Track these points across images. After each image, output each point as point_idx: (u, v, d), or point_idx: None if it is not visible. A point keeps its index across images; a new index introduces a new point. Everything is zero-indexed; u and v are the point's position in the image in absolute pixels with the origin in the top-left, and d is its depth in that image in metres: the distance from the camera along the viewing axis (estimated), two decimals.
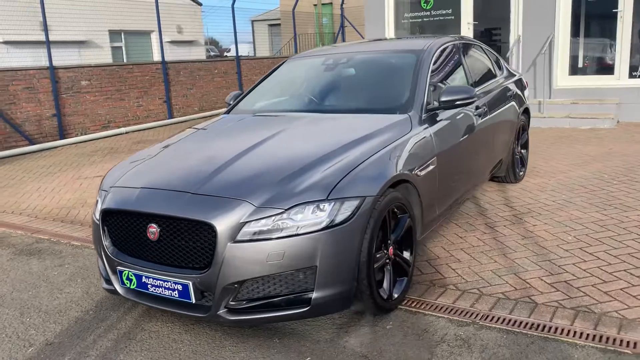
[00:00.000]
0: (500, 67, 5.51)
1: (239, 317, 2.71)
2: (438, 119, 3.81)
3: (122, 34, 18.91)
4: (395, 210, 3.17)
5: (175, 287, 2.77)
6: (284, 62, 4.83)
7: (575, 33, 9.39)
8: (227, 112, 4.44)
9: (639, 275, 3.42)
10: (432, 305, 3.19)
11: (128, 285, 2.98)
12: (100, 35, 17.83)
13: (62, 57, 16.56)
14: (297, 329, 3.01)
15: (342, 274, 2.74)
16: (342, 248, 2.71)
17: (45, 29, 10.68)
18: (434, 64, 4.13)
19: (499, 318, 3.01)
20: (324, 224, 2.68)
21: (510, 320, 2.97)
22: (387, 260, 3.10)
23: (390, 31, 10.66)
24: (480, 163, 4.45)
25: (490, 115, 4.60)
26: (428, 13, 10.47)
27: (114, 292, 3.10)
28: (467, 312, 3.09)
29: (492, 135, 4.68)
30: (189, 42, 21.11)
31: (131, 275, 2.93)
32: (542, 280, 3.44)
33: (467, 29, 10.00)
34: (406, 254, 3.32)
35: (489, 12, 10.13)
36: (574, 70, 9.56)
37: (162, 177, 3.10)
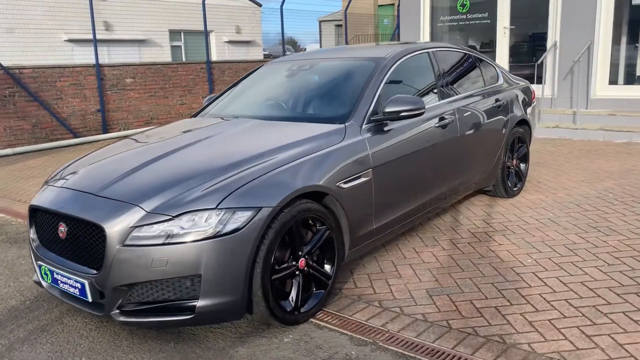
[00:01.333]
0: (493, 77, 5.26)
1: (129, 318, 2.77)
2: (386, 129, 3.71)
3: (182, 34, 19.64)
4: (311, 222, 3.12)
5: (76, 285, 2.88)
6: (259, 67, 4.86)
7: (616, 40, 8.77)
8: (194, 115, 4.53)
9: (577, 306, 3.17)
10: (344, 321, 3.12)
11: (45, 279, 3.13)
12: (160, 34, 18.60)
13: (122, 55, 17.50)
14: (199, 335, 3.03)
15: (230, 284, 2.74)
16: (230, 258, 2.71)
17: (93, 28, 11.28)
18: (392, 73, 4.01)
19: (402, 340, 2.89)
20: (210, 233, 2.69)
21: (411, 344, 2.85)
22: (297, 272, 3.06)
23: (425, 35, 10.42)
24: (443, 176, 4.27)
25: (462, 127, 4.41)
26: (464, 17, 10.14)
27: (40, 285, 3.26)
28: (374, 331, 2.99)
29: (465, 147, 4.48)
30: (247, 42, 21.59)
31: (47, 270, 3.07)
32: (472, 303, 3.27)
33: (502, 34, 9.60)
34: (327, 267, 3.27)
35: (527, 16, 9.67)
36: (614, 79, 8.93)
37: (80, 178, 3.22)
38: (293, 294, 3.05)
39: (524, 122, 5.52)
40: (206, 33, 13.66)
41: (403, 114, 3.63)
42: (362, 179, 3.42)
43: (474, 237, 4.39)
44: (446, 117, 4.25)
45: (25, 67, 10.30)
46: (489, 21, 9.82)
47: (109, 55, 17.49)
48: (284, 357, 2.78)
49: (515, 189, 5.43)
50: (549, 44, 9.12)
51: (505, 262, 3.86)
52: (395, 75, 4.06)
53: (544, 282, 3.51)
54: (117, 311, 2.78)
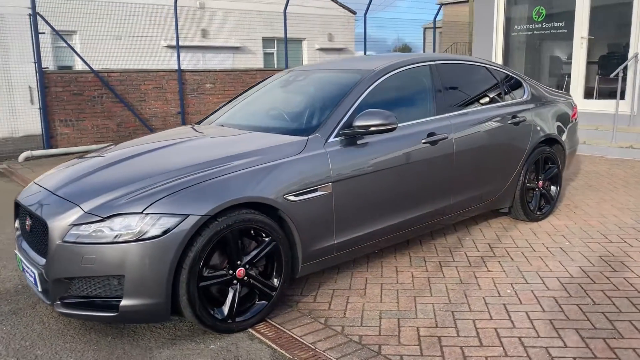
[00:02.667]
0: (517, 92, 4.93)
1: (66, 310, 2.97)
2: (361, 142, 3.64)
3: (275, 41, 20.30)
4: (253, 232, 3.15)
5: (33, 274, 3.14)
6: (269, 76, 4.95)
7: None
8: (199, 121, 4.72)
9: (529, 345, 2.91)
10: (279, 334, 3.11)
11: (19, 267, 3.44)
12: (254, 42, 19.38)
13: (217, 61, 18.47)
14: (138, 333, 3.18)
15: (152, 287, 2.85)
16: (152, 261, 2.82)
17: (177, 36, 12.04)
18: (378, 86, 3.92)
19: None
20: (133, 237, 2.81)
21: None
22: (234, 282, 3.10)
23: (498, 45, 9.95)
24: (432, 194, 4.07)
25: (460, 144, 4.18)
26: (539, 26, 9.53)
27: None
28: (300, 348, 2.95)
29: (465, 165, 4.25)
30: (339, 50, 21.82)
31: (19, 259, 3.38)
32: (418, 330, 3.11)
33: (580, 44, 8.90)
34: (275, 280, 3.27)
35: (607, 25, 8.88)
36: None
37: (51, 176, 3.50)
38: (228, 302, 3.10)
39: (554, 141, 5.11)
40: (286, 41, 14.07)
41: (372, 128, 3.54)
42: (319, 193, 3.39)
43: (467, 261, 4.15)
44: (438, 133, 4.06)
45: (113, 71, 11.25)
46: (565, 31, 9.15)
47: (204, 61, 18.57)
48: None
49: (539, 212, 5.04)
50: (630, 54, 8.32)
51: (480, 291, 3.61)
52: (383, 88, 3.96)
53: (509, 316, 3.25)
54: (59, 302, 2.99)
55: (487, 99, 4.65)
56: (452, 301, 3.48)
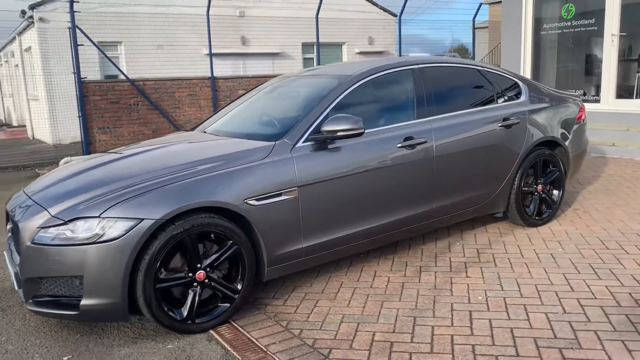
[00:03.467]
0: (513, 93, 4.80)
1: (36, 308, 3.16)
2: (332, 147, 3.67)
3: (315, 46, 20.47)
4: (213, 236, 3.24)
5: (12, 274, 3.35)
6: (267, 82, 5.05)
7: None
8: (192, 128, 4.87)
9: (480, 353, 2.85)
10: (237, 336, 3.18)
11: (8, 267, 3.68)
12: (293, 47, 19.60)
13: (256, 68, 18.82)
14: (107, 331, 3.33)
15: (110, 288, 2.98)
16: (108, 263, 2.95)
17: (209, 44, 12.38)
18: (354, 92, 3.94)
19: None
20: (91, 239, 2.96)
21: None
22: (195, 284, 3.20)
23: (527, 44, 9.67)
24: (410, 199, 4.03)
25: (442, 147, 4.13)
26: (568, 23, 9.19)
27: None
28: (252, 350, 3.01)
29: (448, 169, 4.19)
30: (379, 53, 21.73)
31: (5, 259, 3.62)
32: (373, 335, 3.11)
33: (610, 42, 8.52)
34: (238, 283, 3.35)
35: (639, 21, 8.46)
36: None
37: (35, 182, 3.72)
38: (188, 304, 3.20)
39: (555, 144, 4.94)
40: (318, 45, 14.20)
41: (340, 133, 3.57)
42: (284, 197, 3.44)
43: (448, 266, 4.09)
44: (416, 137, 4.03)
45: (149, 80, 11.69)
46: (595, 28, 8.79)
47: (244, 68, 18.97)
48: None
49: (539, 217, 4.88)
50: None
51: (451, 297, 3.56)
52: (360, 93, 3.98)
53: (471, 324, 3.19)
54: (31, 300, 3.18)
55: (475, 102, 4.56)
56: (419, 307, 3.45)
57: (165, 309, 3.13)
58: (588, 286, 3.61)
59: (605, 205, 5.46)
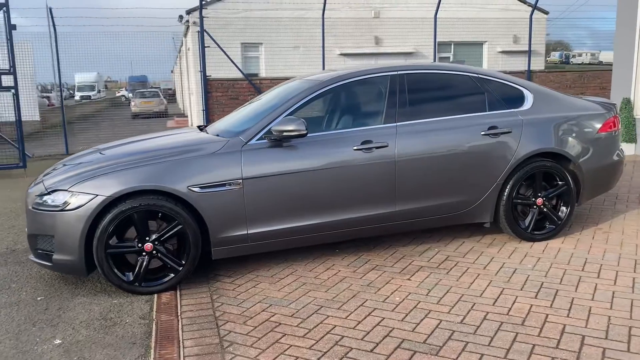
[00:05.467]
0: (514, 100, 4.63)
1: (33, 258, 4.05)
2: (287, 145, 4.05)
3: (452, 45, 20.09)
4: (161, 215, 3.85)
5: None
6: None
7: None
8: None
9: (348, 346, 3.06)
10: (170, 301, 3.76)
11: None
12: (428, 47, 19.46)
13: None
14: (83, 284, 4.13)
15: (71, 247, 3.74)
16: (70, 227, 3.72)
17: (323, 46, 13.02)
18: (319, 96, 4.28)
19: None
20: (60, 207, 3.75)
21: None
22: (144, 254, 3.84)
23: (638, 54, 8.72)
24: (367, 199, 4.21)
25: (407, 152, 4.24)
26: None
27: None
28: (169, 313, 3.56)
29: (416, 174, 4.28)
30: (525, 52, 20.55)
31: None
32: (272, 316, 3.46)
33: None
34: (184, 259, 3.92)
35: None
36: None
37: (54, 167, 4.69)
38: (136, 269, 3.85)
39: (562, 157, 4.65)
40: (435, 45, 14.09)
41: (285, 133, 3.95)
42: (228, 187, 3.92)
43: (402, 268, 4.20)
44: (376, 141, 4.19)
45: (265, 78, 12.79)
46: None
47: None
48: (91, 311, 3.66)
49: (538, 232, 4.66)
50: None
51: (373, 295, 3.72)
52: (326, 97, 4.31)
53: (362, 319, 3.36)
54: (32, 253, 4.10)
55: (457, 109, 4.52)
56: (335, 299, 3.68)
57: (115, 270, 3.82)
58: (513, 302, 3.51)
59: (636, 229, 4.94)
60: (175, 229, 3.87)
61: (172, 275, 3.93)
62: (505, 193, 4.54)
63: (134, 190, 3.77)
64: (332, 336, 3.17)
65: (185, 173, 3.88)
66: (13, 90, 8.81)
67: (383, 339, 3.11)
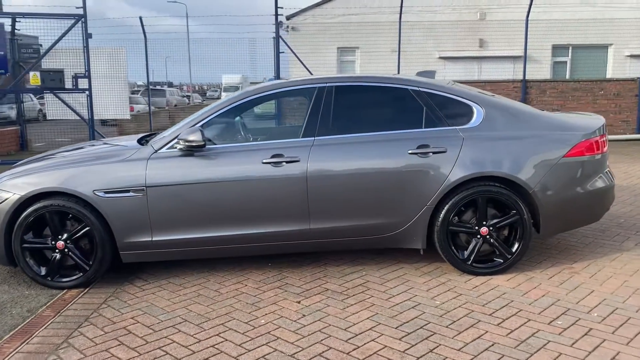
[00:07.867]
0: (454, 116, 4.15)
1: None
2: (199, 155, 4.08)
3: (570, 49, 18.28)
4: (71, 216, 4.09)
5: None
6: None
7: None
8: None
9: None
10: (70, 297, 3.98)
11: None
12: (540, 50, 17.95)
13: (494, 71, 18.02)
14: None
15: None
16: None
17: (399, 47, 12.66)
18: (235, 108, 4.25)
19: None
20: None
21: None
22: (56, 251, 4.12)
23: None
24: (278, 214, 4.06)
25: (319, 169, 4.02)
26: None
27: None
28: (59, 306, 3.77)
29: (323, 191, 4.06)
30: None
31: None
32: (133, 320, 3.51)
33: None
34: (92, 259, 4.13)
35: None
36: None
37: None
38: (49, 264, 4.13)
39: (513, 183, 4.06)
40: (525, 48, 12.96)
41: (187, 143, 4.01)
42: (132, 194, 4.04)
43: (306, 290, 3.99)
44: (288, 155, 4.03)
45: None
46: None
47: (479, 71, 18.30)
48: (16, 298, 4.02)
49: (482, 265, 4.13)
50: None
51: (245, 315, 3.60)
52: (241, 109, 4.27)
53: (200, 339, 3.27)
54: None
55: (386, 125, 4.15)
56: (202, 315, 3.62)
57: (31, 264, 4.13)
58: (369, 341, 3.17)
59: (612, 273, 4.15)
60: (83, 230, 4.08)
61: (81, 274, 4.15)
62: (440, 218, 4.09)
63: (45, 191, 4.05)
64: (158, 352, 3.14)
65: (94, 178, 4.07)
66: (87, 92, 9.82)
67: None
